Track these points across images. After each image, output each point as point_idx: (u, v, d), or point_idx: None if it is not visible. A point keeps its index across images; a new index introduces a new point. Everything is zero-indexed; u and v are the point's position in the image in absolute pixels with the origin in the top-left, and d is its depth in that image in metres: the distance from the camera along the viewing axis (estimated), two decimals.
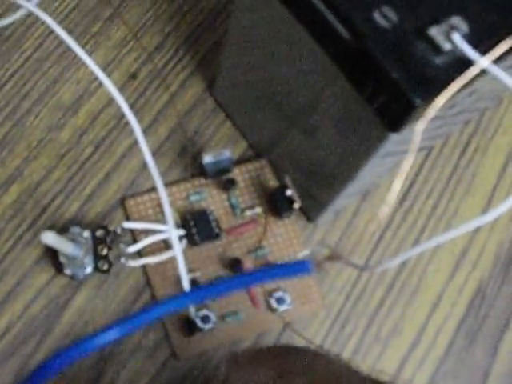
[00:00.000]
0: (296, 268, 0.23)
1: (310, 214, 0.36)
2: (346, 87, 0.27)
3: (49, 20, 0.29)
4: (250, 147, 0.38)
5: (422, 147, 0.38)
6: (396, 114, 0.25)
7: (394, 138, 0.27)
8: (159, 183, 0.31)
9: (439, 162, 0.39)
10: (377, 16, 0.25)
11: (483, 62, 0.24)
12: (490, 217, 0.24)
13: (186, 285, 0.30)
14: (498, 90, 0.36)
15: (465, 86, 0.25)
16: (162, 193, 0.31)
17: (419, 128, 0.23)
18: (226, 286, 0.23)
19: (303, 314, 0.35)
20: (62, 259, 0.33)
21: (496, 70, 0.24)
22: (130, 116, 0.30)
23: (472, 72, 0.23)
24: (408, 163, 0.23)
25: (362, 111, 0.27)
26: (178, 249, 0.30)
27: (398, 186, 0.23)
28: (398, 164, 0.36)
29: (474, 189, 0.39)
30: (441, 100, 0.23)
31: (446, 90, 0.23)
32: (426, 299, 0.36)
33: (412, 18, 0.25)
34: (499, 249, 0.38)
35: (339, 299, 0.36)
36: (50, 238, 0.30)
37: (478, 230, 0.38)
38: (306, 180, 0.34)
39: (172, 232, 0.31)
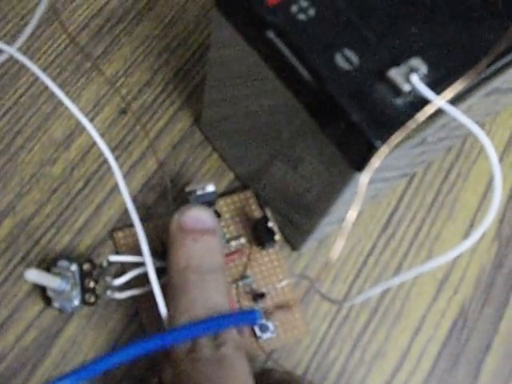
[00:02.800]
0: (245, 318, 0.23)
1: (293, 242, 0.36)
2: (313, 127, 0.26)
3: (33, 66, 0.29)
4: (236, 178, 0.37)
5: (404, 174, 0.37)
6: (358, 154, 0.25)
7: (358, 177, 0.26)
8: (136, 220, 0.30)
9: (422, 187, 0.39)
10: (338, 58, 0.25)
11: (439, 101, 0.23)
12: (468, 244, 0.24)
13: (164, 313, 0.30)
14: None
15: (427, 124, 0.25)
16: (139, 229, 0.30)
17: (364, 180, 0.23)
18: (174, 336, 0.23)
19: (287, 341, 0.34)
20: (49, 293, 0.33)
21: (451, 109, 0.23)
22: (111, 159, 0.29)
23: (427, 112, 0.23)
24: (353, 215, 0.22)
25: (329, 150, 0.26)
26: (154, 281, 0.30)
27: (340, 244, 0.23)
28: (379, 190, 0.35)
29: (456, 214, 0.38)
30: (385, 149, 0.22)
31: (393, 136, 0.23)
32: (409, 323, 0.36)
33: (373, 60, 0.25)
34: (481, 272, 0.37)
35: (323, 325, 0.35)
36: (32, 275, 0.30)
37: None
38: (288, 210, 0.34)
39: (148, 265, 0.31)
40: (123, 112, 0.38)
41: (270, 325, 0.34)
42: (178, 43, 0.41)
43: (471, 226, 0.38)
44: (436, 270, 0.37)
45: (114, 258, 0.33)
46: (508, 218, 0.39)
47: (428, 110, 0.23)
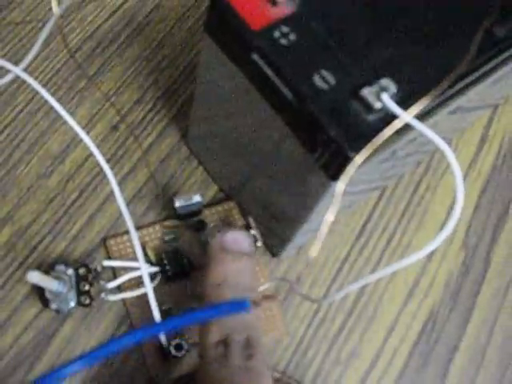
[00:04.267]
0: (237, 306, 0.25)
1: (273, 249, 0.38)
2: (293, 141, 0.29)
3: (34, 83, 0.31)
4: (220, 190, 0.40)
5: (377, 187, 0.40)
6: (335, 165, 0.27)
7: (334, 185, 0.28)
8: (131, 227, 0.32)
9: (393, 200, 0.41)
10: (316, 79, 0.27)
11: (406, 117, 0.26)
12: (432, 247, 0.26)
13: (157, 316, 0.32)
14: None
15: (397, 138, 0.27)
16: (134, 235, 0.32)
17: (340, 186, 0.25)
18: (174, 322, 0.25)
19: (268, 341, 0.36)
20: (47, 295, 0.34)
21: (417, 124, 0.26)
22: (107, 168, 0.31)
23: (395, 126, 0.25)
24: (330, 217, 0.25)
25: (307, 162, 0.28)
26: (148, 285, 0.32)
27: (319, 243, 0.25)
28: (353, 202, 0.38)
29: (426, 224, 0.41)
30: (359, 159, 0.25)
31: (366, 147, 0.25)
32: (382, 325, 0.38)
33: (347, 80, 0.27)
34: (449, 277, 0.40)
35: (301, 327, 0.37)
36: (35, 277, 0.32)
37: (429, 260, 0.40)
38: (268, 219, 0.36)
39: (143, 270, 0.33)
40: (115, 128, 0.40)
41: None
42: (165, 65, 0.43)
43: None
44: (407, 276, 0.39)
45: (107, 263, 0.35)
46: (474, 227, 0.41)
47: (396, 125, 0.25)
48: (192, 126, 0.39)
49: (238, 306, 0.26)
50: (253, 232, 0.35)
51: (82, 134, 0.31)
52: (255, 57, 0.28)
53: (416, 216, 0.41)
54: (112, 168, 0.39)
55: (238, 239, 0.33)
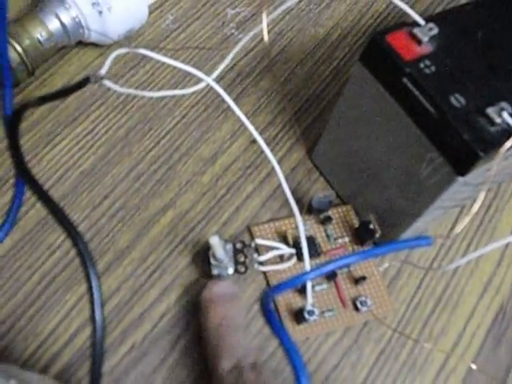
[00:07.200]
0: (419, 240, 0.34)
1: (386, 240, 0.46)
2: (429, 148, 0.37)
3: (226, 97, 0.40)
4: (337, 197, 0.48)
5: (468, 197, 0.48)
6: (465, 163, 0.36)
7: (460, 181, 0.37)
8: (297, 212, 0.41)
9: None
10: (452, 99, 0.36)
11: None
12: None
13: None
14: None
15: None
16: (298, 218, 0.41)
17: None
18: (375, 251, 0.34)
19: (378, 315, 0.44)
20: (212, 262, 0.42)
21: None
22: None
23: None
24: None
25: (439, 162, 0.37)
26: (306, 258, 0.41)
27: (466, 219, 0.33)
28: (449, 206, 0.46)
29: None
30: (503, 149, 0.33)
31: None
32: (463, 312, 0.45)
33: (474, 102, 0.36)
34: None
35: (402, 307, 0.45)
36: (215, 240, 0.40)
37: (498, 265, 0.48)
38: (383, 218, 0.45)
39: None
40: (253, 142, 0.49)
41: (368, 301, 0.44)
42: (290, 96, 0.52)
43: None
44: (482, 275, 0.47)
45: (259, 242, 0.44)
46: None
47: None
48: (320, 144, 0.47)
49: (421, 240, 0.34)
50: (372, 226, 0.44)
51: (247, 123, 0.39)
52: (405, 80, 0.37)
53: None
54: (251, 173, 0.48)
55: (224, 287, 0.40)
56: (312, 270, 0.33)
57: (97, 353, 0.23)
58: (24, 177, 0.23)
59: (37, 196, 0.29)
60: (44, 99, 0.26)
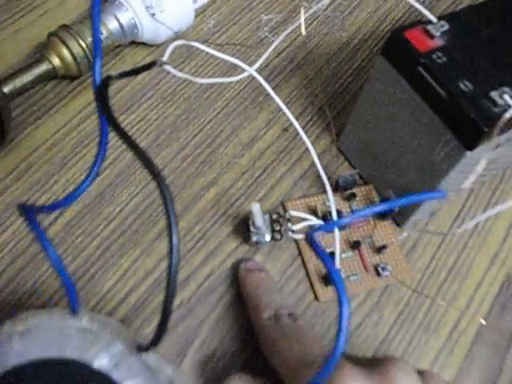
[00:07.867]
0: (433, 194, 0.39)
1: (398, 220, 0.52)
2: (441, 127, 0.42)
3: (267, 86, 0.46)
4: (360, 178, 0.54)
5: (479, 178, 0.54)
6: (472, 138, 0.41)
7: (468, 155, 0.43)
8: (329, 189, 0.47)
9: None
10: (461, 84, 0.41)
11: None
12: None
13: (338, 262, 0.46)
14: None
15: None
16: (329, 193, 0.47)
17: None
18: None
19: (398, 279, 0.50)
20: (251, 229, 0.47)
21: None
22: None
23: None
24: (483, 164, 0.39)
25: (450, 140, 0.42)
26: (337, 233, 0.46)
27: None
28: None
29: None
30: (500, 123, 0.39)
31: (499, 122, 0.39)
32: (472, 280, 0.50)
33: (480, 87, 0.41)
34: None
35: (418, 275, 0.51)
36: (256, 207, 0.45)
37: (504, 241, 0.53)
38: (396, 197, 0.50)
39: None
40: (285, 130, 0.55)
41: (388, 266, 0.49)
42: (318, 92, 0.58)
43: None
44: (489, 250, 0.53)
45: (293, 213, 0.49)
46: None
47: None
48: (345, 132, 0.53)
49: (435, 193, 0.39)
50: None
51: (286, 111, 0.45)
52: (420, 69, 0.42)
53: None
54: (284, 157, 0.54)
55: (254, 262, 0.47)
56: (349, 215, 0.38)
57: (171, 283, 0.25)
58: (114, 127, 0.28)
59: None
60: (121, 74, 0.32)
